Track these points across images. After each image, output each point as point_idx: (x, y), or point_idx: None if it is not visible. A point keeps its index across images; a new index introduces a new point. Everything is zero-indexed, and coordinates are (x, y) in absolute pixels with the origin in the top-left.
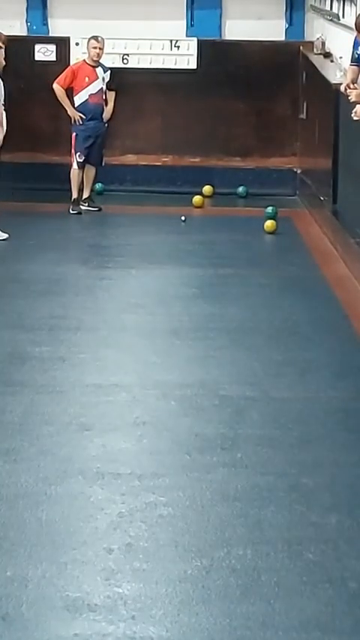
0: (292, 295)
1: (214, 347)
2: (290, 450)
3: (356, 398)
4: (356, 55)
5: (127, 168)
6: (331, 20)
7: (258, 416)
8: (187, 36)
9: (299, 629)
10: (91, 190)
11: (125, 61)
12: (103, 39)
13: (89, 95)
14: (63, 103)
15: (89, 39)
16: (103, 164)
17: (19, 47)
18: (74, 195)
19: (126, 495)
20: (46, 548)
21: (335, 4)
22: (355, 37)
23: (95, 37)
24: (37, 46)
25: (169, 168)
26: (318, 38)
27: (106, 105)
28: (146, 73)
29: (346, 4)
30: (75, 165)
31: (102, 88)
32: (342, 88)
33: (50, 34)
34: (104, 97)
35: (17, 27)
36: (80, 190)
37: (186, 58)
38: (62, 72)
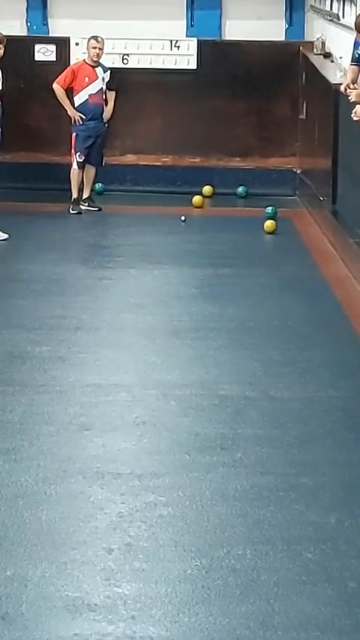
0: (291, 295)
1: (213, 347)
2: (290, 450)
3: (356, 397)
4: (356, 55)
5: (127, 168)
6: (331, 20)
7: (258, 416)
8: (187, 36)
9: (299, 629)
10: (91, 190)
11: (125, 61)
12: (102, 39)
13: (89, 95)
14: (63, 103)
15: (89, 39)
16: (103, 164)
17: (19, 47)
18: (74, 195)
19: (126, 495)
20: (46, 548)
21: (335, 4)
22: (356, 37)
23: (95, 37)
24: (37, 46)
25: (169, 168)
26: (318, 38)
27: (106, 105)
28: (146, 73)
29: (346, 4)
30: (75, 165)
31: (102, 88)
32: (342, 88)
33: (50, 34)
34: (104, 97)
35: (17, 27)
36: (80, 190)
37: (186, 58)
38: (62, 72)
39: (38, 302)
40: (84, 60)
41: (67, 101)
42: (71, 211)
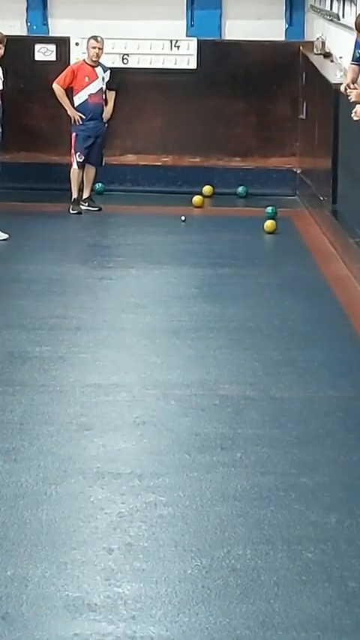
0: (291, 295)
1: (214, 347)
2: (290, 450)
3: (356, 398)
4: (357, 55)
5: (127, 168)
6: (331, 20)
7: (258, 415)
8: (187, 36)
9: (299, 629)
10: (91, 190)
11: (125, 61)
12: (102, 39)
13: (89, 95)
14: (63, 103)
15: (89, 39)
16: (103, 164)
17: (19, 47)
18: (74, 195)
19: (126, 495)
20: (46, 548)
21: (335, 4)
22: (356, 37)
23: (95, 37)
24: (37, 46)
25: (169, 168)
26: (318, 38)
27: (106, 105)
28: (146, 73)
29: (346, 4)
30: (75, 165)
31: (102, 87)
32: (342, 88)
33: (50, 34)
34: (104, 97)
35: (17, 27)
36: (80, 190)
37: (186, 58)
38: (62, 72)
39: (38, 302)
40: (84, 60)
41: (67, 101)
42: (71, 211)
